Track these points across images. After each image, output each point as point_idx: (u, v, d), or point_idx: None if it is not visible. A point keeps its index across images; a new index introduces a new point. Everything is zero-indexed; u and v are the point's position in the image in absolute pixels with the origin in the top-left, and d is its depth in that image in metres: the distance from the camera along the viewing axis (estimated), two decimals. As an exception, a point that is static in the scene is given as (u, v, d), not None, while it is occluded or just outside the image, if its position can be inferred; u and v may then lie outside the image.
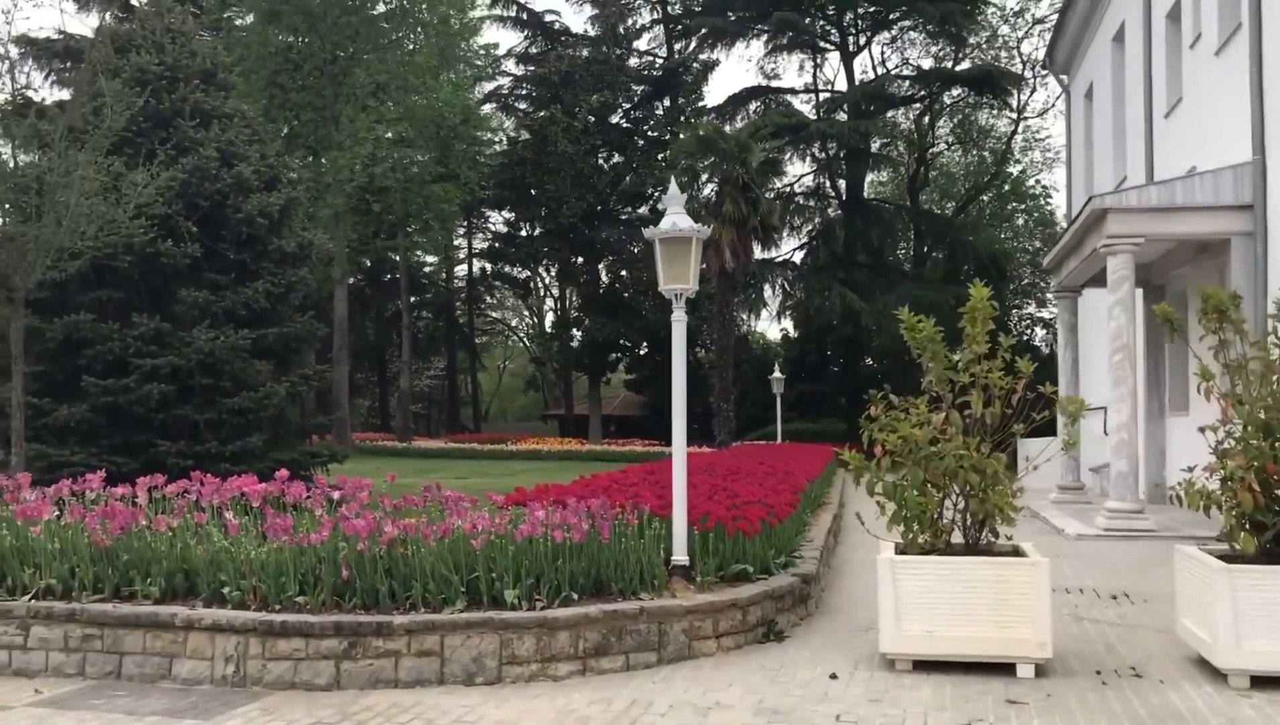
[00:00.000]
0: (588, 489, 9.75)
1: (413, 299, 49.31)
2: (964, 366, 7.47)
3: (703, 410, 46.60)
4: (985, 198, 49.20)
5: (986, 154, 50.59)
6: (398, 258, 43.20)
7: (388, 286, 50.48)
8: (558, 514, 7.58)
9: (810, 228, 39.74)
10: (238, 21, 32.80)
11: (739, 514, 8.44)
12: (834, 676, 6.80)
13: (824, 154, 39.80)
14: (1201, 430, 7.39)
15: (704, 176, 28.71)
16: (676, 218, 8.01)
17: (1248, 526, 6.80)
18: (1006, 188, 50.03)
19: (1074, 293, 17.84)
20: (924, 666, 6.90)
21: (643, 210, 42.23)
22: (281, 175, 14.20)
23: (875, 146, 39.08)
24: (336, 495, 8.29)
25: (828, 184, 40.65)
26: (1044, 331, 52.60)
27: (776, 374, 30.92)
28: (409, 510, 8.15)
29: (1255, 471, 6.65)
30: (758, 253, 29.89)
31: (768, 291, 37.90)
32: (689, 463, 13.61)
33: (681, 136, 36.00)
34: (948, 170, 51.00)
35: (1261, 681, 6.43)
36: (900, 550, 7.30)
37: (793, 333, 48.98)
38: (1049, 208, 53.47)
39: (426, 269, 52.51)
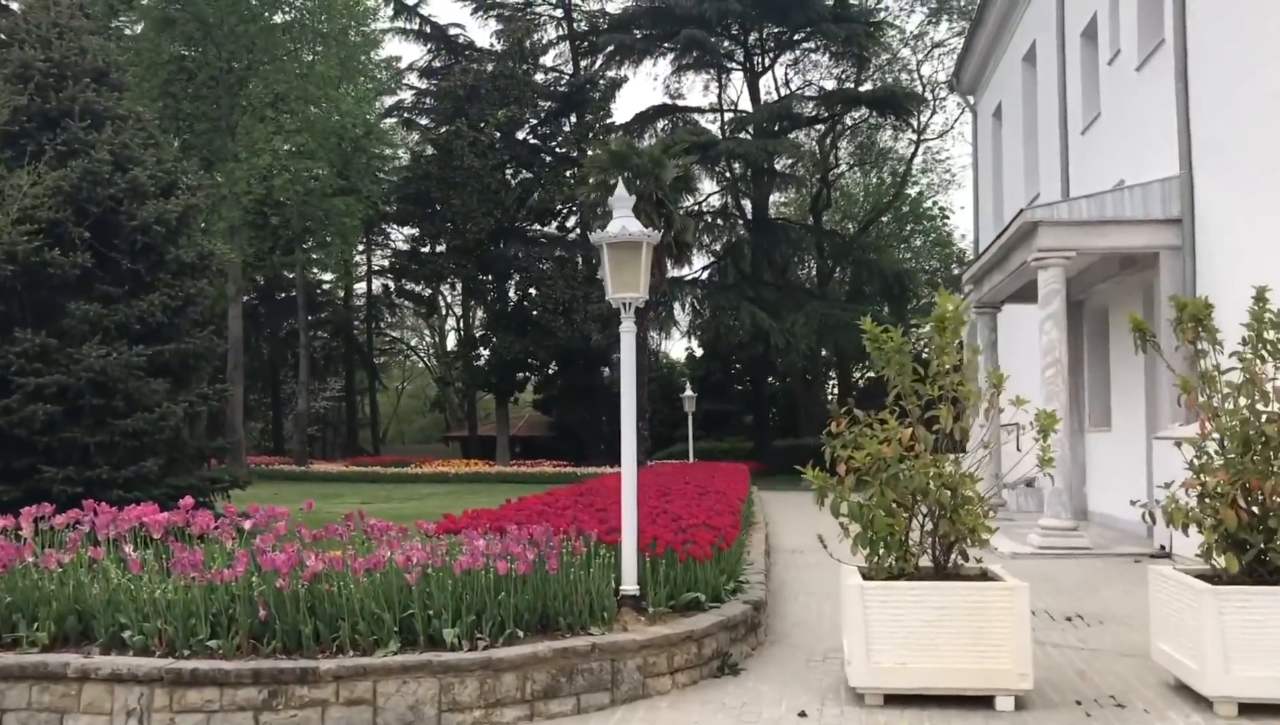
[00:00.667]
0: (522, 514, 9.13)
1: (309, 317, 47.87)
2: (932, 379, 7.07)
3: (609, 430, 46.17)
4: (885, 218, 49.84)
5: (886, 176, 51.32)
6: (293, 275, 41.85)
7: (283, 304, 48.96)
8: (499, 543, 6.97)
9: (718, 246, 39.58)
10: (127, 31, 31.34)
11: (688, 538, 7.92)
12: (803, 714, 6.31)
13: (730, 173, 39.74)
14: (1178, 444, 7.09)
15: (616, 192, 28.16)
16: (625, 221, 7.49)
17: (1228, 546, 6.49)
18: (905, 209, 50.78)
19: (994, 308, 17.79)
20: (896, 700, 6.45)
21: (551, 227, 41.65)
22: (179, 181, 13.23)
23: (781, 166, 39.11)
24: (248, 525, 7.55)
25: (734, 203, 40.58)
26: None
27: (688, 393, 30.58)
28: (331, 541, 7.44)
29: (1240, 488, 6.35)
30: (671, 270, 29.47)
31: (678, 310, 37.61)
32: (612, 483, 13.04)
33: (590, 153, 35.51)
34: (849, 191, 51.56)
35: (1250, 709, 6.11)
36: (866, 575, 6.85)
37: (698, 351, 48.86)
38: (946, 229, 54.53)
39: (325, 286, 51.04)
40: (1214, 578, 6.53)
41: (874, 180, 52.15)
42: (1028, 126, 21.53)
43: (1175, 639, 6.60)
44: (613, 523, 8.10)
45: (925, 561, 6.98)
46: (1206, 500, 6.58)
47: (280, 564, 6.29)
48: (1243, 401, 6.69)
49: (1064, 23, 18.09)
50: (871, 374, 51.50)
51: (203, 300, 12.95)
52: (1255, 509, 6.44)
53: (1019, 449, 20.58)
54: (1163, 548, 12.50)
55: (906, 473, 6.77)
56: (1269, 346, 6.78)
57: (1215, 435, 6.71)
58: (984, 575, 7.05)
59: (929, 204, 52.89)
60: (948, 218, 55.24)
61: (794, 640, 8.49)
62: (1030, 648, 6.41)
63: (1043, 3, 19.51)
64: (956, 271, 53.18)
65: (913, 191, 50.83)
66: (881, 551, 6.87)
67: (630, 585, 7.31)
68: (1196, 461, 6.76)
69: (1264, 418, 6.51)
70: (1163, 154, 13.36)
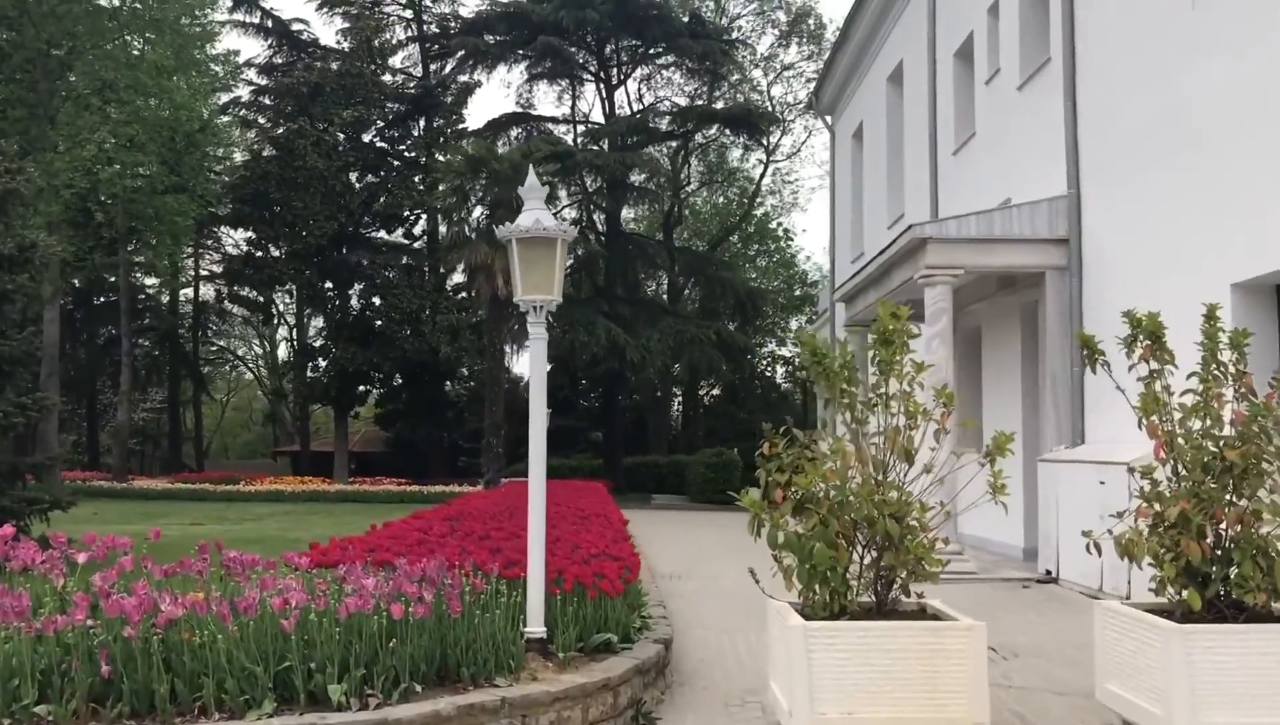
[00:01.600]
0: (399, 543, 8.14)
1: (132, 325, 44.92)
2: (878, 398, 6.48)
3: (450, 446, 44.77)
4: (734, 238, 50.11)
5: (734, 195, 51.67)
6: (115, 278, 39.10)
7: (102, 309, 45.81)
8: (388, 581, 6.02)
9: (572, 260, 38.74)
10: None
11: (597, 570, 7.11)
12: (744, 775, 5.57)
13: (584, 186, 39.11)
14: (1131, 470, 6.67)
15: (473, 198, 27.26)
16: (539, 214, 6.66)
17: (1188, 580, 6.07)
18: (751, 229, 51.21)
19: (866, 327, 17.50)
20: (843, 754, 5.78)
21: (398, 234, 40.02)
22: (-5, 163, 11.70)
23: (636, 180, 38.69)
24: (82, 558, 6.36)
25: (588, 216, 39.93)
26: (784, 368, 54.04)
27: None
28: (187, 579, 6.34)
29: (1206, 517, 5.93)
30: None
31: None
32: (480, 505, 12.10)
33: (442, 158, 34.32)
34: (698, 210, 51.68)
35: (1217, 756, 5.67)
36: (804, 614, 6.18)
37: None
38: (790, 250, 55.30)
39: (148, 290, 48.00)
40: (1168, 613, 6.12)
41: (723, 199, 52.47)
42: (892, 146, 21.55)
43: (1130, 680, 6.15)
44: (509, 555, 7.25)
45: (864, 597, 6.38)
46: (1162, 531, 6.15)
47: (129, 609, 5.20)
48: (1196, 424, 6.31)
49: (935, 42, 18.09)
50: (717, 392, 51.29)
51: (21, 298, 11.43)
52: (1215, 540, 6.05)
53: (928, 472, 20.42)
54: (1048, 572, 12.33)
55: (854, 500, 6.15)
56: (1222, 368, 6.42)
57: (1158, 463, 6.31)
58: (924, 612, 6.50)
59: (774, 225, 53.58)
60: (791, 239, 56.07)
61: (703, 680, 7.78)
62: (987, 694, 5.85)
63: (912, 23, 19.52)
64: (798, 292, 54.05)
65: (759, 211, 51.37)
66: (820, 587, 6.22)
67: (537, 627, 6.46)
68: (1148, 489, 6.34)
69: (1223, 443, 6.13)
70: (1045, 173, 13.30)
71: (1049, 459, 12.50)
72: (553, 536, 8.81)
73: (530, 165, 9.21)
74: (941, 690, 5.79)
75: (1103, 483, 11.00)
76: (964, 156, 16.87)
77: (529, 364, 6.82)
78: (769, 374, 52.74)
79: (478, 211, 27.32)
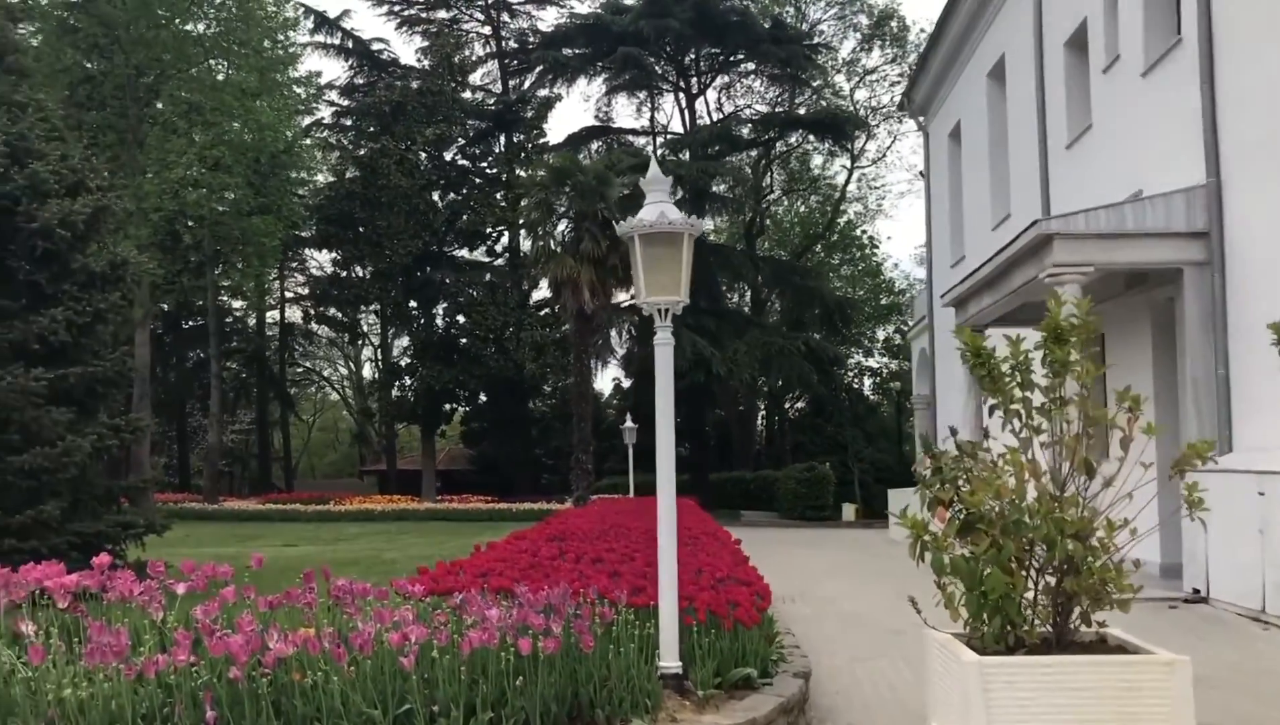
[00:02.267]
0: (508, 566, 7.59)
1: (222, 348, 45.50)
2: (1053, 402, 5.76)
3: (534, 463, 44.47)
4: (816, 247, 49.21)
5: (815, 202, 50.76)
6: (203, 301, 39.49)
7: (190, 333, 46.44)
8: (511, 612, 5.46)
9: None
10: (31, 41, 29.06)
11: (729, 597, 6.48)
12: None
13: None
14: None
15: (557, 212, 26.86)
16: (664, 207, 6.06)
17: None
18: (835, 237, 50.25)
19: (978, 332, 16.65)
20: (1029, 808, 5.07)
21: (480, 251, 39.91)
22: (87, 180, 11.46)
23: (718, 189, 38.07)
24: (182, 589, 5.90)
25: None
26: (870, 380, 52.90)
27: (629, 424, 29.16)
28: (294, 610, 5.85)
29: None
30: (616, 295, 28.11)
31: (614, 337, 36.22)
32: (580, 524, 11.54)
33: (523, 173, 34.06)
34: (779, 219, 50.87)
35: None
36: (977, 648, 5.48)
37: (625, 382, 47.49)
38: (875, 258, 54.13)
39: (236, 313, 48.56)
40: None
41: (804, 208, 51.59)
42: (995, 144, 20.64)
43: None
44: (631, 580, 6.66)
45: (1039, 627, 5.65)
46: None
47: (235, 648, 4.70)
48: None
49: (1042, 33, 17.20)
50: (801, 405, 50.26)
51: (114, 317, 11.17)
52: None
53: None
54: (1196, 590, 11.40)
55: (1032, 520, 5.44)
56: None
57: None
58: (1105, 643, 5.75)
59: (859, 232, 52.54)
60: (877, 247, 54.93)
61: (846, 717, 7.08)
62: (1196, 739, 5.10)
63: (1014, 14, 18.64)
64: (884, 301, 52.89)
65: (843, 220, 50.41)
66: (988, 617, 5.51)
67: (672, 661, 5.85)
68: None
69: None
70: (1177, 163, 12.40)
71: (1196, 469, 11.56)
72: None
73: (652, 156, 8.64)
74: (1141, 734, 5.05)
75: (1262, 494, 10.09)
76: (1079, 150, 15.96)
77: (657, 372, 6.23)
78: (856, 386, 51.69)
79: (562, 225, 27.01)
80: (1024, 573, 5.55)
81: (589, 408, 27.28)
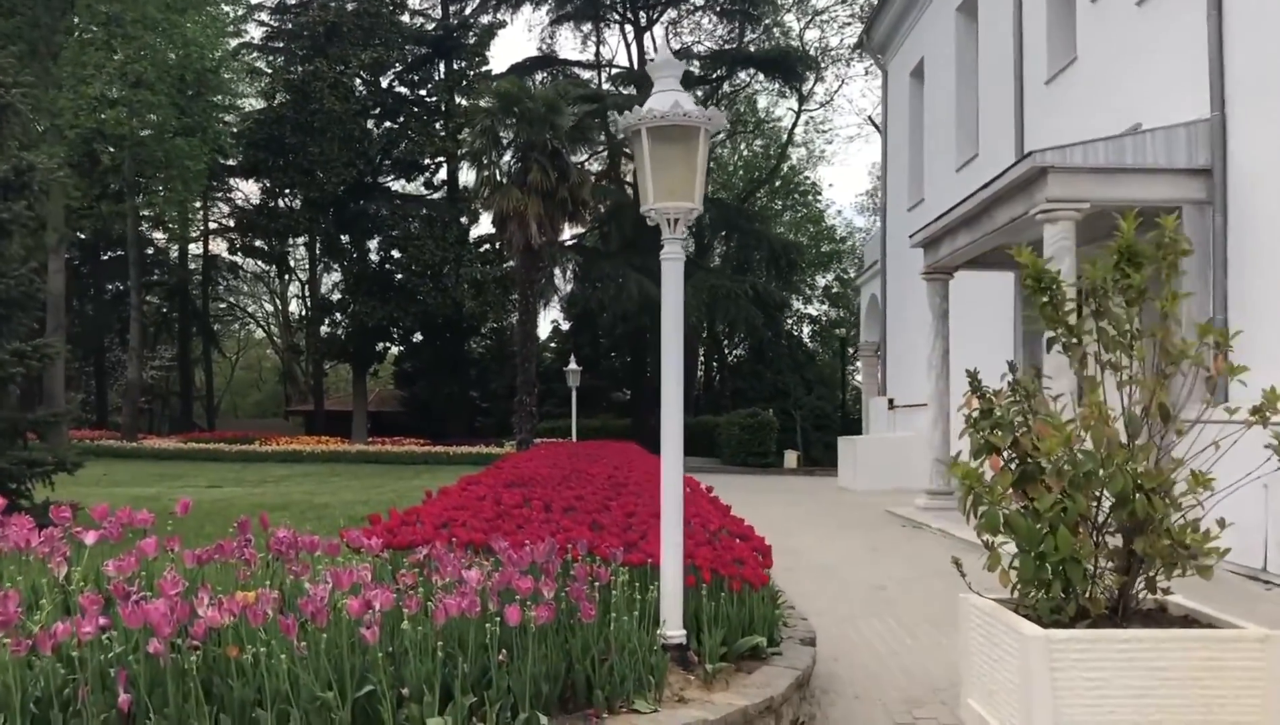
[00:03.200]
0: (473, 517, 6.69)
1: (141, 281, 43.49)
2: (1124, 336, 4.99)
3: (468, 406, 43.30)
4: (759, 192, 48.40)
5: (759, 147, 49.87)
6: (123, 230, 37.47)
7: (109, 264, 44.32)
8: (493, 574, 4.59)
9: (600, 210, 37.13)
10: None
11: (735, 555, 5.67)
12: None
13: (610, 133, 37.38)
14: None
15: (505, 140, 25.55)
16: (677, 96, 5.13)
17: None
18: (777, 183, 49.49)
19: (946, 275, 16.01)
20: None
21: (418, 183, 38.38)
22: (-12, 75, 10.16)
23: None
24: (91, 538, 4.92)
25: (616, 166, 38.17)
26: (809, 327, 52.48)
27: (572, 366, 28.24)
28: (228, 567, 4.91)
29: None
30: (565, 231, 27.00)
31: (558, 276, 35.11)
32: (532, 468, 10.69)
33: (463, 102, 32.62)
34: (724, 161, 49.91)
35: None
36: (1033, 618, 4.72)
37: (564, 325, 46.46)
38: (818, 206, 53.51)
39: (157, 243, 46.45)
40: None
41: (749, 152, 50.68)
42: (963, 82, 19.90)
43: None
44: (623, 535, 5.81)
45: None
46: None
47: (156, 616, 3.75)
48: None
49: (1022, -37, 16.40)
50: (740, 352, 49.65)
51: (20, 230, 9.95)
52: None
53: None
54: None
55: (1104, 472, 4.67)
56: None
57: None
58: (1166, 612, 5.03)
59: (802, 178, 51.83)
60: (819, 194, 54.27)
61: (850, 686, 6.34)
62: (1291, 726, 4.40)
63: (990, -56, 17.83)
64: (825, 249, 52.34)
65: (787, 165, 49.63)
66: (1057, 586, 4.74)
67: (675, 630, 5.02)
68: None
69: None
70: (1174, 97, 11.71)
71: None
72: (650, 509, 7.39)
73: (665, 39, 7.60)
74: (1225, 721, 4.35)
75: (1269, 445, 9.47)
76: (1060, 85, 15.24)
77: (665, 292, 5.32)
78: (796, 333, 51.22)
79: (508, 156, 25.70)
80: (1091, 533, 4.82)
81: (534, 347, 26.25)
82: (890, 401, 25.10)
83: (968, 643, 5.25)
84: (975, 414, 5.05)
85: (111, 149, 25.75)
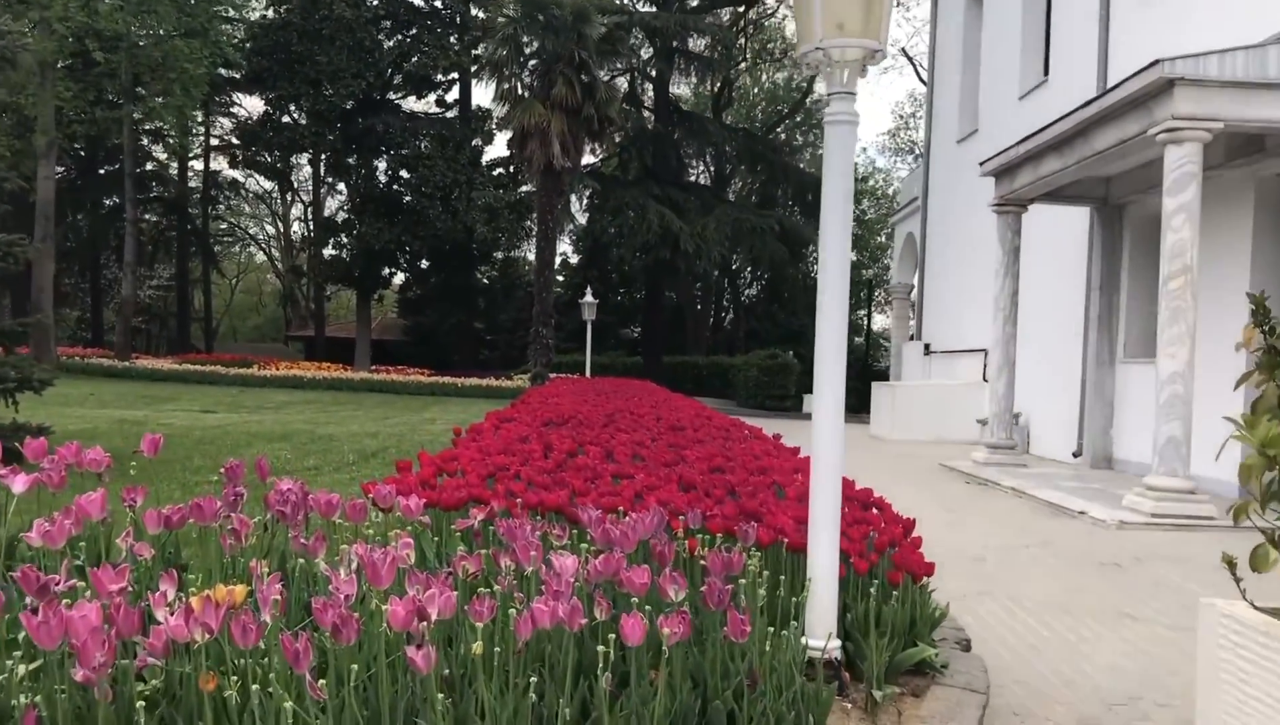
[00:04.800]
0: (524, 466, 5.27)
1: (138, 196, 41.74)
2: None
3: (473, 337, 41.83)
4: (779, 128, 46.56)
5: (780, 81, 47.94)
6: (120, 140, 35.65)
7: (106, 179, 42.53)
8: (591, 561, 3.18)
9: (619, 136, 35.34)
10: None
11: (889, 536, 4.26)
12: None
13: (631, 53, 35.48)
14: None
15: (528, 50, 23.70)
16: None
17: None
18: (799, 118, 47.63)
19: (1019, 208, 14.48)
20: None
21: (430, 101, 36.40)
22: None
23: (694, 47, 34.88)
24: (19, 485, 3.48)
25: (639, 88, 36.27)
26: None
27: (588, 298, 26.75)
28: (207, 535, 3.50)
29: None
30: (589, 152, 25.25)
31: (574, 204, 33.42)
32: (561, 407, 9.39)
33: (480, 14, 30.71)
34: (746, 91, 48.01)
35: None
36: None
37: (573, 258, 44.86)
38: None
39: (156, 158, 44.64)
40: None
41: (771, 84, 48.74)
42: (1030, 2, 18.23)
43: None
44: (746, 504, 4.39)
45: None
46: None
47: (83, 630, 2.34)
48: None
49: None
50: (752, 292, 48.23)
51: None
52: None
53: (985, 378, 17.51)
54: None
55: None
56: None
57: None
58: None
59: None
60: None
61: (1000, 695, 4.95)
62: None
63: None
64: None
65: (810, 100, 47.70)
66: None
67: (829, 642, 3.62)
68: None
69: None
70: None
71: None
72: (743, 463, 5.97)
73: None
74: None
75: None
76: (1160, 3, 13.59)
77: (827, 172, 3.84)
78: (812, 273, 49.56)
79: (531, 68, 23.82)
80: None
81: (551, 276, 24.66)
82: (927, 347, 23.69)
83: (1214, 663, 3.86)
84: (1264, 353, 3.61)
85: (114, 34, 23.92)
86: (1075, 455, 15.12)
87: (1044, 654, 5.63)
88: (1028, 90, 18.14)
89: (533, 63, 23.63)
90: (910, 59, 42.14)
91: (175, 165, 46.08)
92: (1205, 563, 8.04)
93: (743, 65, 43.83)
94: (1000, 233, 14.59)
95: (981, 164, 14.82)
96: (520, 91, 23.23)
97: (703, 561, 3.47)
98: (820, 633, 3.60)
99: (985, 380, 19.50)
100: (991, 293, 14.90)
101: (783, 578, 3.80)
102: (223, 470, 3.94)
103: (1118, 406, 14.44)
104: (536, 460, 5.57)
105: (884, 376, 42.30)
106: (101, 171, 42.65)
